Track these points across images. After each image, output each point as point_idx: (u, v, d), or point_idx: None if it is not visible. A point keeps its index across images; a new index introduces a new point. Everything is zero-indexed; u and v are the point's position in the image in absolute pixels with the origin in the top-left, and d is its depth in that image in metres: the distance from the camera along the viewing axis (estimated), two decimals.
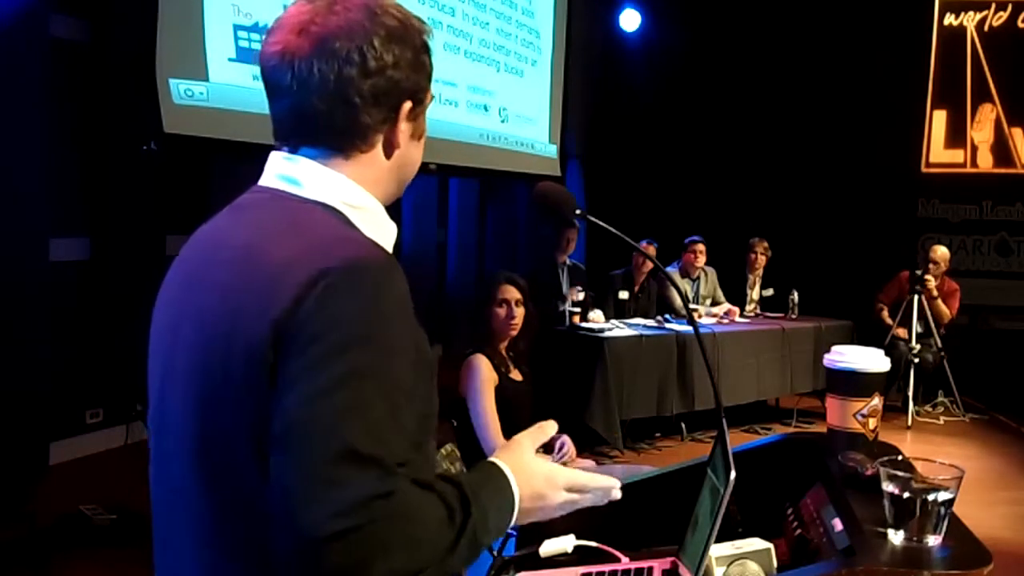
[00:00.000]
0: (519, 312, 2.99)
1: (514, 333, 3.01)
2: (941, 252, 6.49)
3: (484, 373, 2.90)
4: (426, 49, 1.04)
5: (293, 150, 1.02)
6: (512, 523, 1.02)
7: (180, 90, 3.97)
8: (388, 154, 1.03)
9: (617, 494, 1.12)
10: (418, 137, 1.07)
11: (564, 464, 2.89)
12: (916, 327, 6.20)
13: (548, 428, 1.13)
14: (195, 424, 0.94)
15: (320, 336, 0.85)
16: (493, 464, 1.03)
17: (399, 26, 1.00)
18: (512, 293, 3.00)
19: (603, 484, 1.10)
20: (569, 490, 1.07)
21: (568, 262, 5.77)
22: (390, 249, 1.03)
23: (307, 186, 1.00)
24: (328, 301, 0.86)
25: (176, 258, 1.06)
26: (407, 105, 1.02)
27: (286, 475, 0.83)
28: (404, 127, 1.03)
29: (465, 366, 2.93)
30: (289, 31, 0.97)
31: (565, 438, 2.98)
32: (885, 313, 6.58)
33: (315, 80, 0.96)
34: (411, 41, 1.01)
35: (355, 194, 1.01)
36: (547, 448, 3.00)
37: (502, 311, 2.98)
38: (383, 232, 1.04)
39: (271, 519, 0.85)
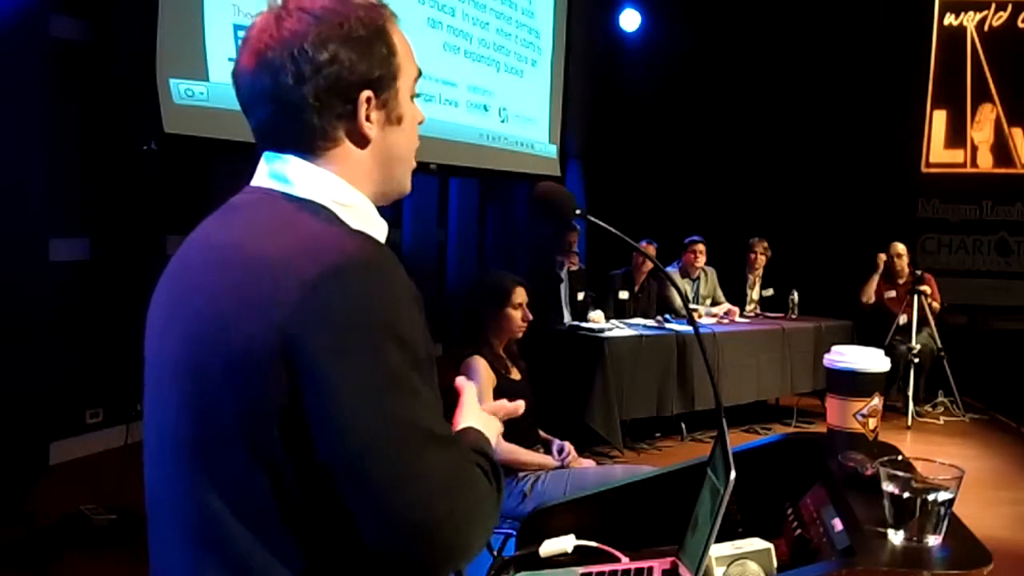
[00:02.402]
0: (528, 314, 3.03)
1: (521, 335, 3.03)
2: (901, 247, 6.70)
3: (483, 375, 2.89)
4: (378, 34, 1.03)
5: (279, 151, 1.03)
6: None
7: (180, 90, 3.97)
8: (361, 145, 1.04)
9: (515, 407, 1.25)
10: (397, 122, 1.06)
11: (565, 466, 2.91)
12: (915, 326, 6.22)
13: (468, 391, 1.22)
14: (187, 427, 0.94)
15: (339, 336, 0.87)
16: (482, 434, 1.10)
17: (335, 20, 1.00)
18: (524, 296, 3.03)
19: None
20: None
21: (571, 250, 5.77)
22: None
23: (296, 184, 1.01)
24: (333, 300, 0.87)
25: (171, 260, 1.07)
26: (364, 94, 1.02)
27: (375, 476, 0.87)
28: (376, 116, 1.03)
29: (464, 367, 2.92)
30: (242, 50, 1.03)
31: (566, 444, 2.98)
32: (872, 290, 6.65)
33: (258, 93, 1.01)
34: (352, 33, 1.00)
35: (344, 192, 1.02)
36: (548, 451, 3.00)
37: (518, 313, 2.99)
38: (374, 230, 1.04)
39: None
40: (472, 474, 0.95)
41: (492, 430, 1.13)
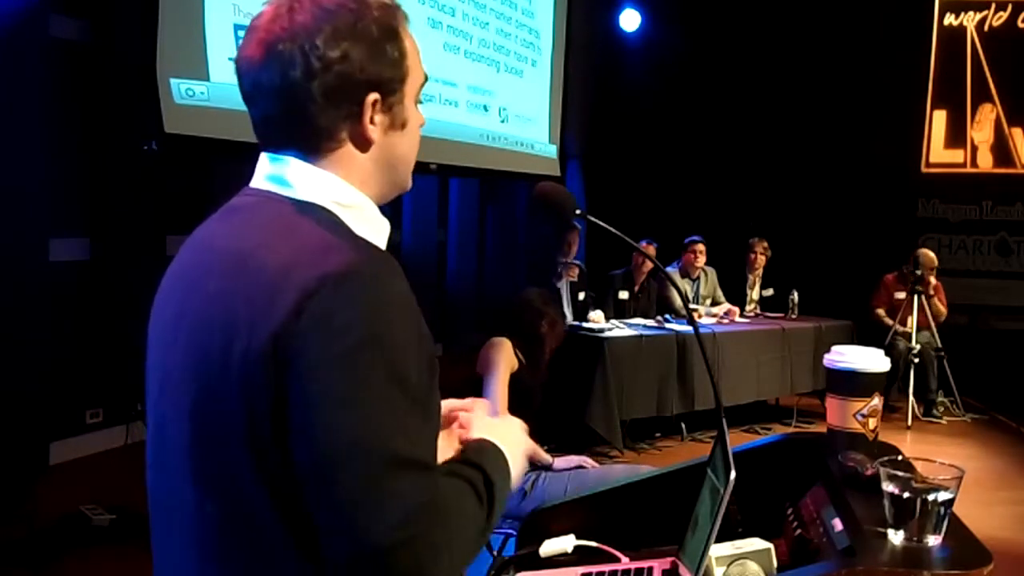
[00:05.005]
0: None
1: None
2: (931, 256, 6.53)
3: (507, 353, 2.99)
4: (391, 36, 1.01)
5: (278, 151, 1.01)
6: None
7: (181, 90, 3.97)
8: (362, 148, 1.02)
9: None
10: (400, 127, 1.05)
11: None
12: (915, 326, 6.21)
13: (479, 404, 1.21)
14: (191, 433, 0.93)
15: (330, 345, 0.85)
16: (493, 445, 1.08)
17: (349, 18, 0.98)
18: None
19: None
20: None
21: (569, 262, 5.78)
22: (383, 247, 1.02)
23: (297, 187, 0.99)
24: (330, 309, 0.86)
25: (172, 261, 1.05)
26: (371, 97, 1.00)
27: (338, 490, 0.85)
28: (380, 119, 1.02)
29: (491, 343, 3.01)
30: (248, 39, 1.00)
31: (585, 459, 3.01)
32: (882, 314, 6.58)
33: (266, 87, 0.98)
34: (365, 32, 0.99)
35: (345, 192, 1.00)
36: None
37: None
38: (376, 230, 1.03)
39: (279, 528, 0.88)
40: (450, 503, 0.91)
41: (509, 437, 1.11)
